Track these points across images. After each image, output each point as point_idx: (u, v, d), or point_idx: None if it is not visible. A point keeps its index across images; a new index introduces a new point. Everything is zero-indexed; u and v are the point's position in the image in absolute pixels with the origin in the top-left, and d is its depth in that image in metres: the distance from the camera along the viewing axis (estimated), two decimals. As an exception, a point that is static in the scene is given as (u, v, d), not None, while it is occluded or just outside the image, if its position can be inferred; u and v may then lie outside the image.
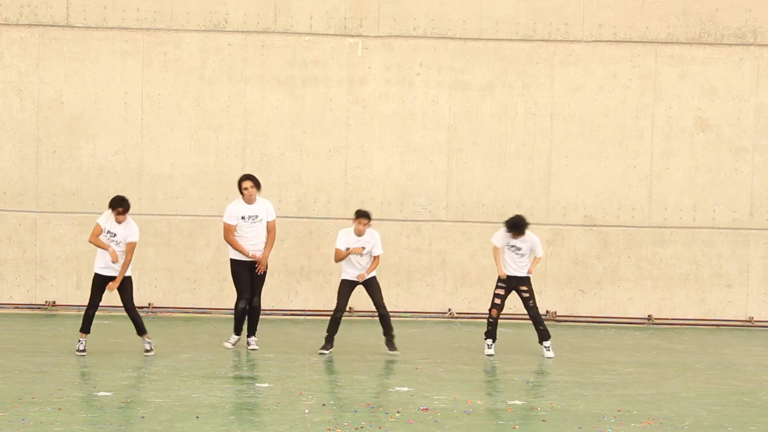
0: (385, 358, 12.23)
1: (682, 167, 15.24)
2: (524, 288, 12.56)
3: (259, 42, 15.02)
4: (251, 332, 12.71)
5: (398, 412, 9.53)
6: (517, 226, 12.41)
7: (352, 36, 15.07)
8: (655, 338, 14.20)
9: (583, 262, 15.26)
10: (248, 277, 12.53)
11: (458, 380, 11.04)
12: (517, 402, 10.07)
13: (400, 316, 15.11)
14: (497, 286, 12.59)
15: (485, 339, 12.70)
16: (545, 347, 12.62)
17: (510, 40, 15.10)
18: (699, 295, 15.31)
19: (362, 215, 12.34)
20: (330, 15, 15.02)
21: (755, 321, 15.28)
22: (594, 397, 10.41)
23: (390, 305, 15.12)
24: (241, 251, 12.41)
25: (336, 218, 15.01)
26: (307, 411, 9.48)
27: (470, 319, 15.11)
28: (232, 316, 14.88)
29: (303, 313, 15.15)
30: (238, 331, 12.72)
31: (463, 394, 10.33)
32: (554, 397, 10.34)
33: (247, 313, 12.64)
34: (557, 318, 15.22)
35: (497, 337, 12.75)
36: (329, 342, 12.43)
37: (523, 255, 12.52)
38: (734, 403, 10.33)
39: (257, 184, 12.47)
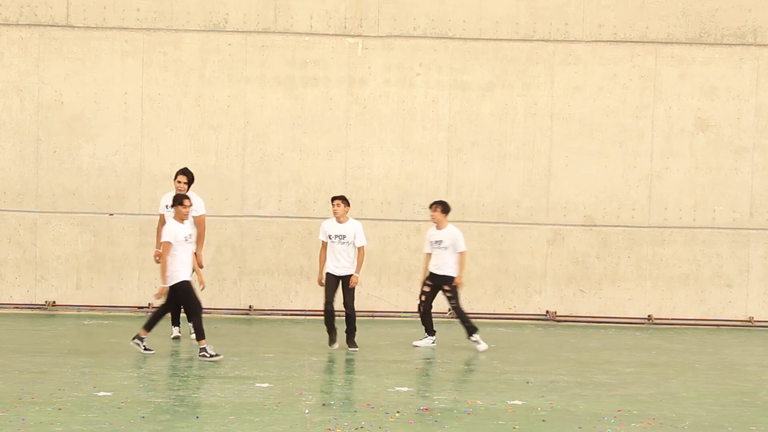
0: (385, 358, 12.22)
1: (682, 167, 15.24)
2: (447, 288, 12.75)
3: (259, 42, 15.03)
4: (175, 322, 13.12)
5: (398, 412, 9.53)
6: (438, 201, 12.81)
7: (352, 36, 15.08)
8: (655, 338, 14.20)
9: (583, 262, 15.26)
10: None
11: (458, 380, 11.04)
12: (517, 402, 10.07)
13: (400, 316, 15.12)
14: (425, 284, 12.87)
15: (428, 336, 13.00)
16: (474, 341, 12.74)
17: (510, 40, 15.10)
18: (699, 295, 15.31)
19: (336, 198, 12.65)
20: (330, 15, 15.02)
21: (755, 321, 15.28)
22: (594, 397, 10.41)
23: (390, 305, 15.15)
24: (157, 242, 12.94)
25: (336, 218, 15.01)
26: (307, 411, 9.48)
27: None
28: (230, 316, 14.92)
29: (303, 313, 15.15)
30: (174, 322, 13.11)
31: (463, 394, 10.33)
32: (554, 397, 10.34)
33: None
34: (557, 318, 15.21)
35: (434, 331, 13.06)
36: (332, 335, 12.59)
37: (445, 248, 12.66)
38: (734, 403, 10.33)
39: (190, 180, 12.87)
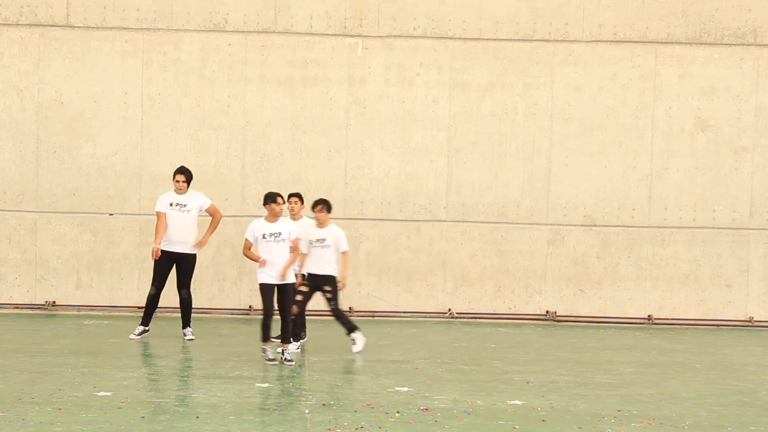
0: (385, 358, 12.22)
1: (682, 167, 15.24)
2: (328, 288, 12.40)
3: (259, 42, 15.02)
4: (185, 324, 13.08)
5: (398, 412, 9.53)
6: (322, 200, 12.51)
7: (352, 36, 15.07)
8: (655, 338, 14.20)
9: (583, 262, 15.26)
10: (165, 267, 12.92)
11: (458, 380, 11.04)
12: (517, 402, 10.07)
13: (400, 316, 15.12)
14: (302, 283, 12.41)
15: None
16: (351, 338, 12.46)
17: (510, 40, 15.10)
18: (699, 295, 15.31)
19: (293, 195, 12.70)
20: (330, 15, 15.02)
21: (755, 321, 15.28)
22: (594, 397, 10.41)
23: (390, 305, 15.15)
24: (157, 238, 12.86)
25: (336, 218, 15.00)
26: (307, 411, 9.49)
27: (470, 319, 15.11)
28: (230, 316, 14.93)
29: (303, 313, 15.13)
30: (144, 321, 13.05)
31: (463, 394, 10.33)
32: (554, 397, 10.34)
33: (179, 305, 13.10)
34: (557, 318, 15.21)
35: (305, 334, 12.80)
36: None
37: (327, 247, 12.43)
38: (734, 403, 10.33)
39: (188, 178, 12.97)
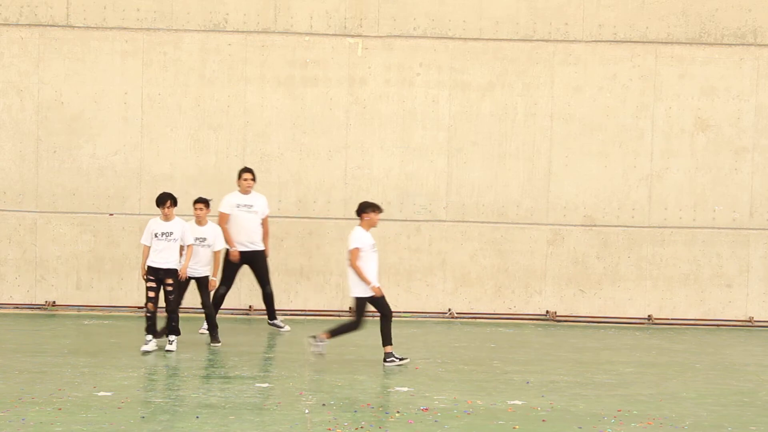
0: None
1: (682, 167, 15.24)
2: (170, 281, 12.26)
3: (259, 42, 15.03)
4: (272, 316, 13.83)
5: (398, 412, 9.54)
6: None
7: (352, 36, 15.08)
8: (655, 338, 14.20)
9: (583, 262, 15.26)
10: (236, 267, 13.43)
11: (458, 380, 11.04)
12: (517, 402, 10.08)
13: (400, 316, 15.11)
14: (148, 279, 12.19)
15: (146, 335, 12.22)
16: (169, 341, 12.25)
17: (510, 40, 15.10)
18: (699, 295, 15.31)
19: (197, 200, 12.84)
20: (330, 15, 15.02)
21: (755, 321, 15.28)
22: (594, 397, 10.42)
23: (390, 305, 15.14)
24: (228, 242, 13.19)
25: (336, 218, 15.02)
26: (307, 411, 9.49)
27: (470, 319, 15.11)
28: (230, 316, 14.92)
29: (303, 313, 15.14)
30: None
31: (463, 394, 10.34)
32: (554, 397, 10.34)
33: (264, 300, 13.78)
34: (557, 318, 15.21)
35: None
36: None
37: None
38: (734, 403, 10.34)
39: (254, 177, 13.55)
